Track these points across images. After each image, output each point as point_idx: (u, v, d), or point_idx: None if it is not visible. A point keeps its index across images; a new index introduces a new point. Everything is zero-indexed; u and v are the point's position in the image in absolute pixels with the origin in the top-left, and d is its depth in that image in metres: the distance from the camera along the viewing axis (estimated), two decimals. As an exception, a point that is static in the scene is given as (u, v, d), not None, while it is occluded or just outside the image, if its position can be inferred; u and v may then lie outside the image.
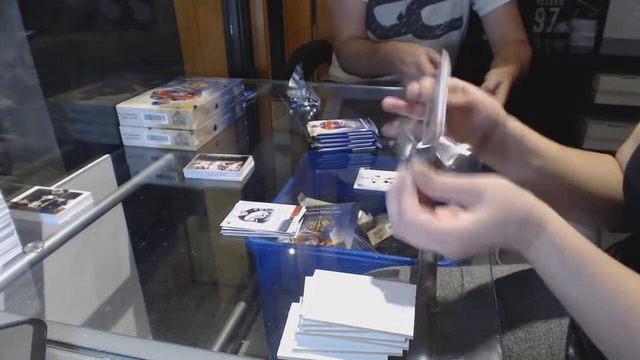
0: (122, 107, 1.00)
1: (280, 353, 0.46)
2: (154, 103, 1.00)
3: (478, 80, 1.32)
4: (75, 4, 0.93)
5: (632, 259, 0.61)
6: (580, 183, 0.59)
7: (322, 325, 0.47)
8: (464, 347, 0.50)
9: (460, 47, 1.44)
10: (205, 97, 1.03)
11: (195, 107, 0.97)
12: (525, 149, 0.57)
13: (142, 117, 0.99)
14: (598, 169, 0.62)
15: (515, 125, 0.56)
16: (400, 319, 0.47)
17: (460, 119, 0.54)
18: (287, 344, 0.47)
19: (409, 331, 0.45)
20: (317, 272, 0.54)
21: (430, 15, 1.32)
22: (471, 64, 1.39)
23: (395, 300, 0.49)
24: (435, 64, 1.06)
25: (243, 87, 1.21)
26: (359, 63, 1.33)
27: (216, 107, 1.07)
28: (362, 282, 0.53)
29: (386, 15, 1.32)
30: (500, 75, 1.11)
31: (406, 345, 0.45)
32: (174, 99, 1.02)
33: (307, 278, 0.53)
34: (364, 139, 0.97)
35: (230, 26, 1.59)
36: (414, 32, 1.34)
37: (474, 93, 0.53)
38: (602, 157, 0.64)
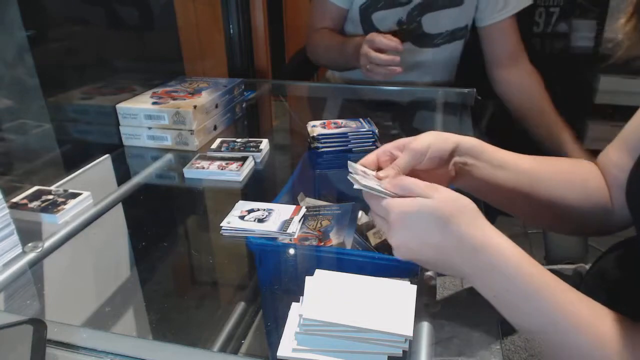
0: (122, 107, 1.00)
1: (280, 353, 0.46)
2: (154, 103, 1.00)
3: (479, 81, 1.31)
4: (75, 3, 0.93)
5: (630, 263, 0.61)
6: (549, 193, 0.60)
7: (322, 325, 0.47)
8: (463, 348, 0.50)
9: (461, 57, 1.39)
10: (205, 97, 1.03)
11: (195, 107, 0.97)
12: (487, 160, 0.58)
13: (142, 117, 0.99)
14: (571, 177, 0.62)
15: (470, 141, 0.57)
16: (400, 319, 0.47)
17: (423, 170, 0.55)
18: (287, 343, 0.47)
19: (409, 331, 0.45)
20: (317, 272, 0.54)
21: (431, 23, 1.27)
22: (471, 72, 1.37)
23: (395, 300, 0.49)
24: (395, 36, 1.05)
25: (243, 87, 1.21)
26: (328, 54, 1.31)
27: (216, 107, 1.07)
28: (362, 282, 0.53)
29: (385, 21, 1.29)
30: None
31: (406, 346, 0.45)
32: (174, 99, 1.02)
33: (307, 278, 0.53)
34: (364, 139, 0.97)
35: (230, 26, 1.59)
36: (413, 41, 1.30)
37: (410, 143, 0.54)
38: (578, 162, 0.64)
